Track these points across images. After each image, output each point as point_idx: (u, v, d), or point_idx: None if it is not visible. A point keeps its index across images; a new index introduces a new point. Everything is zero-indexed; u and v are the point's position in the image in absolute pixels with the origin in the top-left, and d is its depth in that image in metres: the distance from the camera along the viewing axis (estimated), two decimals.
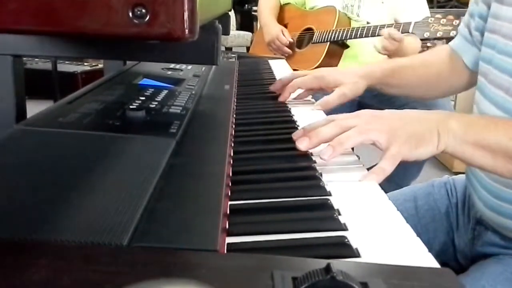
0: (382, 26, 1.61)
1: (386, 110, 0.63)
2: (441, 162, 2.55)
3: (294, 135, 0.63)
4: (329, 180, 0.53)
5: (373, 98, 1.56)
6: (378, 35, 1.63)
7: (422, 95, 1.04)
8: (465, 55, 0.88)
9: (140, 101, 0.65)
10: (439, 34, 1.51)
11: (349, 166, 0.60)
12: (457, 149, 0.58)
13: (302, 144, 0.61)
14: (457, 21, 1.48)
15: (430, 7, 1.77)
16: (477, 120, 0.64)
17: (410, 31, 1.54)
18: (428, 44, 1.87)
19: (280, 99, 0.91)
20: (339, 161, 0.60)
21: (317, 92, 0.95)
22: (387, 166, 0.56)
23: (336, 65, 1.81)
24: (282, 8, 2.04)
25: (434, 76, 0.94)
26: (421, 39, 1.56)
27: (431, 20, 1.52)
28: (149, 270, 0.28)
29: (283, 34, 1.89)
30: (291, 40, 1.91)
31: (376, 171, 0.56)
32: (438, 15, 1.54)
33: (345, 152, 0.60)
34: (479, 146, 0.58)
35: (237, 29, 5.23)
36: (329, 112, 0.82)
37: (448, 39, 1.44)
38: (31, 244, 0.30)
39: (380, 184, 0.54)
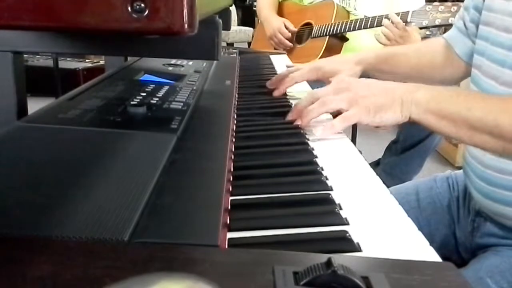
0: (381, 17, 1.60)
1: (363, 79, 0.70)
2: (444, 157, 2.55)
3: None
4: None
5: None
6: (376, 26, 1.63)
7: None
8: (457, 45, 0.90)
9: (141, 97, 0.65)
10: (437, 22, 1.51)
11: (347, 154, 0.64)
12: (421, 117, 0.63)
13: (289, 117, 0.72)
14: (455, 8, 1.47)
15: (432, 0, 1.76)
16: (443, 91, 0.67)
17: (409, 19, 1.54)
18: (427, 33, 1.86)
19: (275, 94, 0.90)
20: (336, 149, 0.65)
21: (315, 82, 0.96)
22: (337, 124, 0.64)
23: None
24: (280, 4, 2.04)
25: (427, 66, 0.95)
26: (420, 28, 1.56)
27: (428, 8, 1.52)
28: (150, 265, 0.28)
29: (285, 26, 1.89)
30: (294, 30, 1.90)
31: (327, 125, 0.65)
32: (436, 3, 1.53)
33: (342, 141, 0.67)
34: (441, 115, 0.62)
35: (238, 24, 5.21)
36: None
37: (447, 26, 1.43)
38: (32, 240, 0.30)
39: (382, 179, 0.54)
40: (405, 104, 0.63)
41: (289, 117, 0.71)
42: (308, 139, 0.65)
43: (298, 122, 0.68)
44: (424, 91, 0.64)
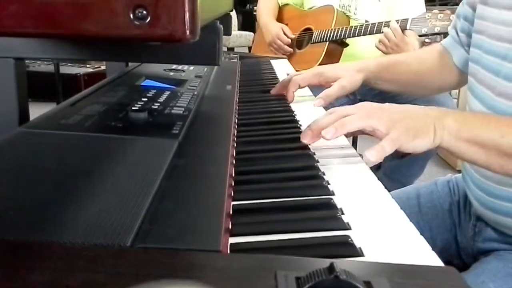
0: (380, 24, 1.61)
1: (387, 104, 0.64)
2: (445, 160, 2.54)
3: (301, 135, 0.64)
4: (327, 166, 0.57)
5: (374, 97, 1.56)
6: (375, 33, 1.63)
7: (414, 92, 1.07)
8: (454, 53, 0.90)
9: (142, 103, 0.65)
10: (436, 30, 1.51)
11: (348, 159, 0.63)
12: (452, 144, 0.60)
13: (305, 138, 0.62)
14: (454, 16, 1.48)
15: (432, 5, 1.76)
16: (472, 117, 0.65)
17: (408, 27, 1.54)
18: (427, 40, 1.86)
19: (289, 99, 0.92)
20: (337, 154, 0.63)
21: (317, 87, 0.96)
22: (387, 146, 0.57)
23: None
24: (280, 9, 2.04)
25: (427, 73, 0.96)
26: (419, 35, 1.56)
27: (428, 15, 1.52)
28: (152, 271, 0.28)
29: (284, 32, 1.89)
30: (293, 37, 1.90)
31: (377, 148, 0.57)
32: (435, 10, 1.54)
33: (343, 146, 0.64)
34: (473, 142, 0.60)
35: (239, 29, 5.23)
36: (331, 107, 0.82)
37: (446, 34, 1.43)
38: (34, 246, 0.30)
39: (383, 183, 0.54)
40: (437, 131, 0.60)
41: (307, 137, 0.62)
42: (309, 144, 0.65)
43: (327, 135, 0.59)
44: (453, 117, 0.61)
